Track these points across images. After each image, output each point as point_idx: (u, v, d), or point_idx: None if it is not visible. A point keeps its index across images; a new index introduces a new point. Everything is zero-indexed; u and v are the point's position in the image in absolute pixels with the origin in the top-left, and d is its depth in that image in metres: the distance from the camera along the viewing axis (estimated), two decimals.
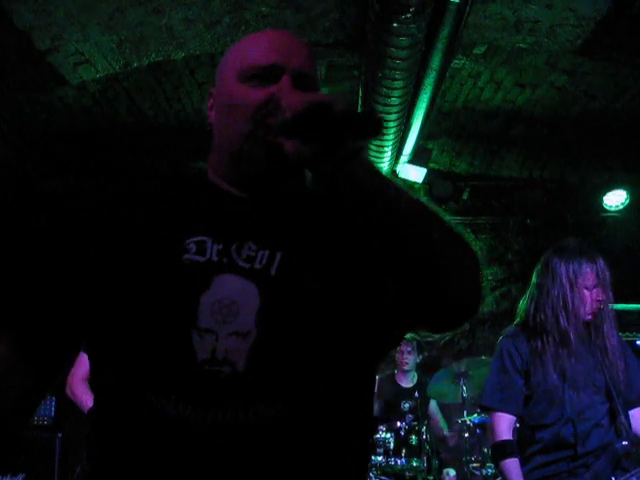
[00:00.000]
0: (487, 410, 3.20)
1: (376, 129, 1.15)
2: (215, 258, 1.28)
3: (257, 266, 1.27)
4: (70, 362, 1.43)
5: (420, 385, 5.90)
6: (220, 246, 1.29)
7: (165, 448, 1.19)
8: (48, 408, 5.75)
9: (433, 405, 5.98)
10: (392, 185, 1.22)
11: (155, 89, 5.53)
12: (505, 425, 3.03)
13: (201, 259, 1.28)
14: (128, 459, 1.23)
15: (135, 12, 4.19)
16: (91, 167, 6.40)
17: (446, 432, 5.83)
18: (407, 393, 5.84)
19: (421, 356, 6.12)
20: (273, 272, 1.27)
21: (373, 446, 4.31)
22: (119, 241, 1.32)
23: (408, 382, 5.98)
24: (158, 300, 1.25)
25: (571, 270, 3.09)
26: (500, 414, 3.05)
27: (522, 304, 3.23)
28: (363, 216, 1.22)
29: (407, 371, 5.97)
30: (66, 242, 1.36)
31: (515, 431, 3.14)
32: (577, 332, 3.03)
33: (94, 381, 1.35)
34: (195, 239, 1.30)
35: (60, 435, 5.58)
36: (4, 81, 4.68)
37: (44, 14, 4.03)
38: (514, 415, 3.05)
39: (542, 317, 3.08)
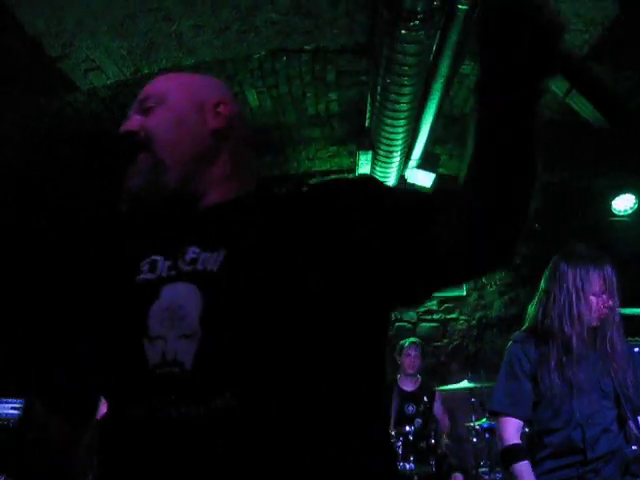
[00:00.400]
0: (496, 415, 3.20)
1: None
2: (164, 274, 1.36)
3: (199, 267, 1.33)
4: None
5: (424, 389, 5.91)
6: (170, 262, 1.37)
7: (132, 445, 1.28)
8: None
9: (438, 407, 5.98)
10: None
11: None
12: (513, 429, 3.03)
13: (151, 276, 1.37)
14: (108, 463, 1.35)
15: (145, 19, 4.23)
16: (99, 172, 6.43)
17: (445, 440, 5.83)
18: (411, 397, 5.85)
19: (425, 360, 6.14)
20: (215, 270, 1.32)
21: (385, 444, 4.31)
22: (94, 265, 1.49)
23: (411, 386, 5.99)
24: (115, 318, 1.37)
25: (578, 276, 3.10)
26: (508, 418, 3.06)
27: (531, 309, 3.23)
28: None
29: (411, 374, 5.98)
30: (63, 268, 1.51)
31: (524, 436, 3.15)
32: (581, 338, 3.03)
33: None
34: (149, 260, 1.40)
35: None
36: (15, 87, 4.72)
37: (55, 21, 4.07)
38: (522, 420, 3.06)
39: (549, 323, 3.08)
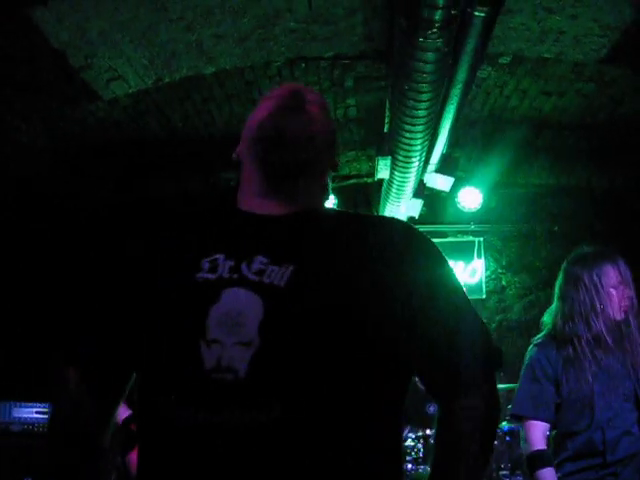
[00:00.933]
0: (519, 419, 3.21)
1: None
2: (226, 275, 1.38)
3: (265, 280, 1.36)
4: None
5: None
6: (232, 262, 1.39)
7: (181, 452, 1.30)
8: None
9: None
10: None
11: (185, 102, 5.63)
12: (539, 433, 3.04)
13: (212, 276, 1.38)
14: (153, 464, 1.37)
15: (167, 29, 4.29)
16: (122, 179, 6.52)
17: None
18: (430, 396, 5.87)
19: None
20: (282, 285, 1.35)
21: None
22: (149, 265, 1.48)
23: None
24: (172, 317, 1.37)
25: (594, 274, 3.11)
26: (533, 422, 3.07)
27: (547, 318, 3.25)
28: None
29: None
30: (108, 269, 1.52)
31: (549, 439, 3.16)
32: (609, 332, 3.04)
33: (136, 393, 1.48)
34: (209, 258, 1.41)
35: None
36: (39, 98, 4.81)
37: (78, 33, 4.15)
38: (547, 422, 3.07)
39: (571, 325, 3.09)
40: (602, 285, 3.08)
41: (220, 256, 1.40)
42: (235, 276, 1.37)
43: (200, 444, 1.28)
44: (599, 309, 3.05)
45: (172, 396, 1.32)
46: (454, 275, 1.55)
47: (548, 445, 3.12)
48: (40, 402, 5.77)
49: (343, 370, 1.32)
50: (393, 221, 1.57)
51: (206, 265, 1.40)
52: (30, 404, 5.76)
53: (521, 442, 3.20)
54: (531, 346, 3.25)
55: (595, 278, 3.10)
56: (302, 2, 4.17)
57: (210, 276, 1.38)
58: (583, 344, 3.04)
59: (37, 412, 5.78)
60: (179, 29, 4.30)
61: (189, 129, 6.11)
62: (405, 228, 1.54)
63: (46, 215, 6.29)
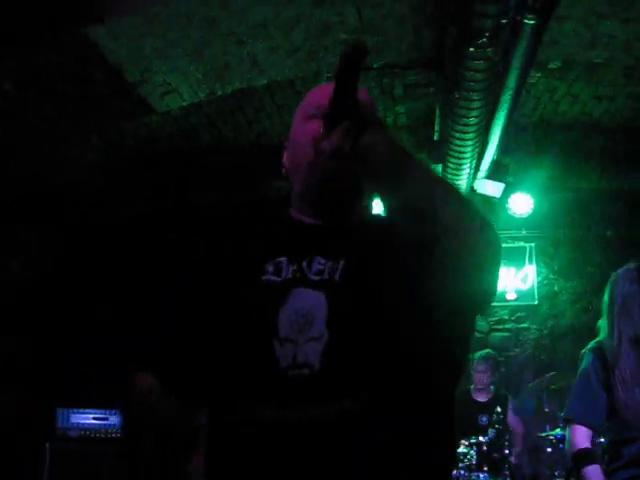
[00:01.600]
0: (568, 422, 3.21)
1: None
2: (290, 276, 1.45)
3: (325, 277, 1.43)
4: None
5: (498, 399, 5.91)
6: (294, 265, 1.46)
7: (262, 446, 1.34)
8: (120, 422, 5.95)
9: (512, 416, 5.96)
10: (412, 159, 1.35)
11: (236, 112, 5.72)
12: (583, 435, 3.03)
13: (277, 279, 1.46)
14: (232, 459, 1.40)
15: (220, 43, 4.38)
16: (173, 189, 6.64)
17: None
18: (484, 407, 5.85)
19: (497, 373, 6.13)
20: (337, 279, 1.42)
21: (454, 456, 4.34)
22: (211, 267, 1.56)
23: (484, 397, 6.00)
24: (243, 317, 1.44)
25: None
26: (578, 426, 3.07)
27: (602, 323, 3.24)
28: (384, 184, 1.37)
29: (482, 389, 6.00)
30: (174, 271, 1.59)
31: (600, 446, 3.16)
32: None
33: (205, 393, 1.52)
34: (273, 261, 1.48)
35: (129, 448, 5.77)
36: (95, 112, 4.93)
37: (134, 49, 4.25)
38: (593, 428, 3.06)
39: (620, 330, 3.09)
40: None
41: (283, 259, 1.48)
42: (299, 277, 1.44)
43: (287, 440, 1.32)
44: None
45: (252, 395, 1.37)
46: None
47: (595, 447, 3.12)
48: (97, 408, 5.88)
49: (399, 356, 1.37)
50: None
51: (270, 268, 1.47)
52: (88, 410, 5.87)
53: (565, 444, 3.19)
54: (585, 351, 3.24)
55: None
56: (353, 14, 4.21)
57: (276, 278, 1.46)
58: (634, 352, 3.03)
59: (94, 418, 5.89)
60: (231, 43, 4.39)
61: (240, 139, 6.20)
62: None
63: (101, 223, 6.43)
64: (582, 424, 3.05)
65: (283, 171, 1.63)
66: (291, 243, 1.52)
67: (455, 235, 1.30)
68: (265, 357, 1.37)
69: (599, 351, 3.15)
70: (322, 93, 1.50)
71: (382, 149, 1.32)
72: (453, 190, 1.40)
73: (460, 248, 1.30)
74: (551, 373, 5.60)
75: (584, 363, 3.19)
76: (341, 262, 1.44)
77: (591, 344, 3.25)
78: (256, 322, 1.42)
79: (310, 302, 1.40)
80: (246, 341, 1.42)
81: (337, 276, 1.43)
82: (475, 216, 1.35)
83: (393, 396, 1.34)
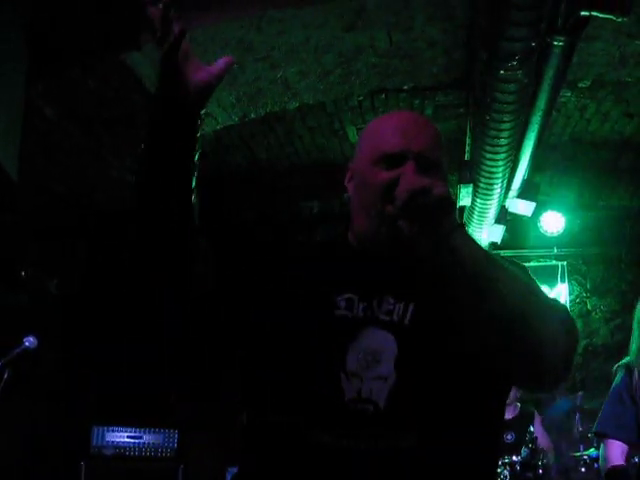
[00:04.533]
0: (600, 437, 3.21)
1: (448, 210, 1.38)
2: (360, 314, 1.51)
3: (395, 318, 1.49)
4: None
5: (523, 416, 5.87)
6: (365, 303, 1.52)
7: (322, 474, 1.41)
8: (172, 440, 5.99)
9: (538, 428, 5.89)
10: (491, 259, 1.42)
11: (268, 135, 5.80)
12: (617, 451, 3.04)
13: (349, 314, 1.51)
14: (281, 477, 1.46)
15: (253, 68, 4.47)
16: (206, 210, 6.71)
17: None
18: (510, 425, 5.80)
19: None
20: (407, 322, 1.49)
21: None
22: (279, 300, 1.57)
23: (509, 414, 5.95)
24: (314, 348, 1.50)
25: None
26: (612, 441, 3.07)
27: (633, 346, 3.25)
28: (465, 285, 1.40)
29: (508, 404, 5.94)
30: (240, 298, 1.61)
31: (634, 465, 3.15)
32: None
33: (253, 421, 1.57)
34: (344, 296, 1.53)
35: (182, 466, 5.82)
36: (131, 135, 5.02)
37: None
38: (627, 443, 3.06)
39: None
40: None
41: (354, 296, 1.54)
42: (369, 314, 1.51)
43: (341, 469, 1.39)
44: None
45: (313, 421, 1.44)
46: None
47: (631, 463, 3.12)
48: (132, 427, 5.93)
49: (461, 400, 1.44)
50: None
51: (342, 303, 1.53)
52: (123, 428, 5.92)
53: (600, 461, 3.20)
54: (618, 368, 3.25)
55: None
56: (383, 38, 4.28)
57: (347, 313, 1.52)
58: None
59: (129, 437, 5.93)
60: (265, 67, 4.47)
61: (272, 160, 6.27)
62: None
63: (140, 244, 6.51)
64: (615, 439, 3.06)
65: (345, 196, 1.69)
66: (360, 278, 1.56)
67: (544, 350, 1.38)
68: (331, 388, 1.44)
69: (629, 368, 3.16)
70: (389, 137, 1.56)
71: (471, 252, 1.38)
72: (544, 302, 1.46)
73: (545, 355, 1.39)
74: (580, 393, 5.55)
75: (616, 379, 3.20)
76: (411, 305, 1.50)
77: (623, 360, 3.26)
78: (326, 355, 1.48)
79: (378, 341, 1.48)
80: (315, 372, 1.48)
81: (407, 320, 1.49)
82: (564, 326, 1.44)
83: (445, 439, 1.40)
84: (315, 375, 1.47)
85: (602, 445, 3.17)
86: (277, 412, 1.49)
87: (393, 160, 1.52)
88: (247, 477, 1.55)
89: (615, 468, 3.04)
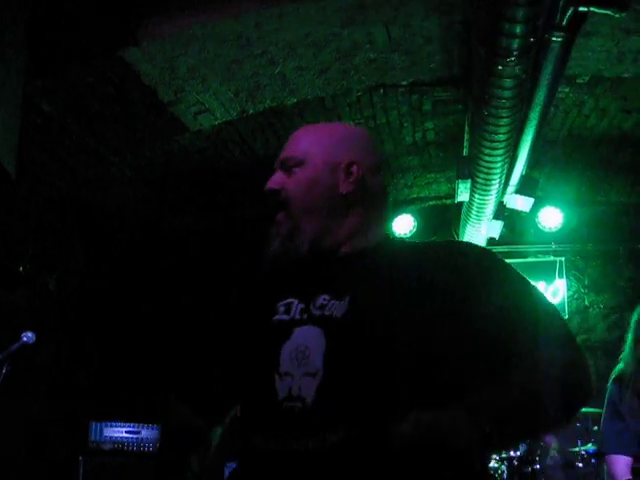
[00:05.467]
0: (603, 455, 3.22)
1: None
2: (297, 316, 1.55)
3: (327, 312, 1.51)
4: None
5: None
6: (302, 305, 1.55)
7: (261, 476, 1.45)
8: (152, 436, 6.00)
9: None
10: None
11: (266, 130, 5.79)
12: (622, 466, 3.05)
13: (286, 317, 1.56)
14: None
15: (251, 63, 4.47)
16: (206, 205, 6.72)
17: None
18: None
19: None
20: (339, 316, 1.49)
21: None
22: (237, 308, 1.70)
23: None
24: (252, 353, 1.57)
25: None
26: (616, 456, 3.08)
27: (624, 356, 3.24)
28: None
29: None
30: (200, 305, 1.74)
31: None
32: None
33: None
34: (284, 302, 1.58)
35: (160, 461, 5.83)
36: (130, 131, 5.03)
37: (168, 70, 4.35)
38: (631, 456, 3.07)
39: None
40: None
41: (294, 299, 1.58)
42: (305, 316, 1.54)
43: (273, 470, 1.42)
44: None
45: (252, 425, 1.50)
46: (533, 288, 1.57)
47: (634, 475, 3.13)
48: (130, 422, 5.94)
49: (395, 394, 1.41)
50: (440, 246, 1.66)
51: (282, 308, 1.58)
52: (121, 423, 5.93)
53: (606, 477, 3.21)
54: (610, 382, 3.26)
55: None
56: (381, 33, 4.28)
57: (285, 317, 1.56)
58: None
59: (127, 432, 5.94)
60: (263, 63, 4.48)
61: (270, 156, 6.26)
62: (451, 248, 1.64)
63: (137, 241, 6.53)
64: (618, 454, 3.07)
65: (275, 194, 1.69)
66: (302, 281, 1.61)
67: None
68: (266, 390, 1.48)
69: (622, 380, 3.16)
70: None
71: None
72: (559, 395, 1.44)
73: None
74: None
75: (609, 394, 3.20)
76: (346, 298, 1.51)
77: (614, 372, 3.27)
78: (262, 358, 1.53)
79: (309, 337, 1.49)
80: (252, 375, 1.54)
81: (338, 314, 1.49)
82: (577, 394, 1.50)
83: (373, 433, 1.36)
84: (252, 380, 1.54)
85: (607, 461, 3.18)
86: (240, 420, 1.56)
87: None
88: None
89: None
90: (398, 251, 1.64)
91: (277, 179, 1.67)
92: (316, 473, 1.38)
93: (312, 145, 1.68)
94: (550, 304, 1.58)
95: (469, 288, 1.47)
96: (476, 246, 1.73)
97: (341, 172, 1.63)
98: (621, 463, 3.07)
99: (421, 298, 1.47)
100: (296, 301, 1.57)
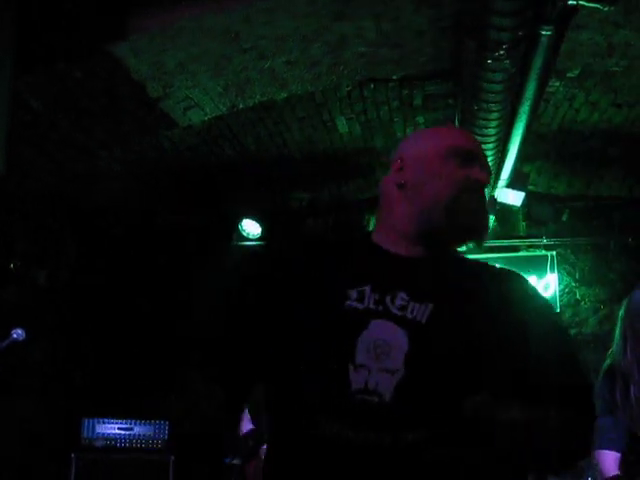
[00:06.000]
0: (594, 450, 3.22)
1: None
2: (372, 306, 1.53)
3: (409, 315, 1.51)
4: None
5: None
6: (377, 295, 1.55)
7: (326, 462, 1.45)
8: (162, 431, 6.01)
9: None
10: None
11: (257, 125, 5.78)
12: (611, 461, 3.05)
13: (360, 306, 1.54)
14: (298, 470, 1.51)
15: (240, 58, 4.45)
16: (196, 201, 6.71)
17: None
18: None
19: None
20: (423, 321, 1.50)
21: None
22: (293, 293, 1.61)
23: None
24: (323, 339, 1.53)
25: None
26: (606, 452, 3.08)
27: (615, 348, 3.24)
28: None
29: None
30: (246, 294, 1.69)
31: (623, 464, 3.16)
32: None
33: (271, 408, 1.64)
34: (357, 289, 1.56)
35: (173, 458, 5.83)
36: (119, 127, 5.02)
37: (157, 65, 4.34)
38: (619, 452, 3.07)
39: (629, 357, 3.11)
40: None
41: (367, 288, 1.56)
42: (380, 308, 1.53)
43: (342, 460, 1.43)
44: None
45: (320, 412, 1.47)
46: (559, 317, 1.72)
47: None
48: (122, 418, 5.94)
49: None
50: (513, 273, 1.74)
51: (354, 294, 1.55)
52: (113, 420, 5.93)
53: (597, 473, 3.21)
54: (600, 377, 3.25)
55: None
56: (371, 27, 4.27)
57: (359, 305, 1.54)
58: None
59: (119, 428, 5.94)
60: (252, 57, 4.46)
61: (261, 151, 6.25)
62: (522, 280, 1.71)
63: (128, 235, 6.52)
64: (607, 449, 3.07)
65: (381, 191, 1.73)
66: (376, 272, 1.60)
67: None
68: (339, 379, 1.47)
69: (610, 375, 3.16)
70: (461, 137, 1.74)
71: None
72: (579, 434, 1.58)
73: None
74: None
75: (598, 389, 3.19)
76: (429, 306, 1.53)
77: (603, 369, 3.26)
78: (335, 346, 1.51)
79: (389, 334, 1.50)
80: (324, 363, 1.51)
81: (424, 319, 1.51)
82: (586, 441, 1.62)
83: (449, 435, 1.42)
84: (325, 368, 1.50)
85: (596, 455, 3.17)
86: (290, 406, 1.54)
87: (465, 156, 1.65)
88: (269, 470, 1.61)
89: (611, 478, 3.05)
90: (468, 263, 1.72)
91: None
92: (388, 468, 1.41)
93: None
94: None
95: (533, 325, 1.57)
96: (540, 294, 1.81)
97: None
98: (610, 459, 3.07)
99: (500, 316, 1.55)
100: (368, 289, 1.56)
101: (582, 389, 1.60)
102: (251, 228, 6.77)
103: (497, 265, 1.75)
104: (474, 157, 1.66)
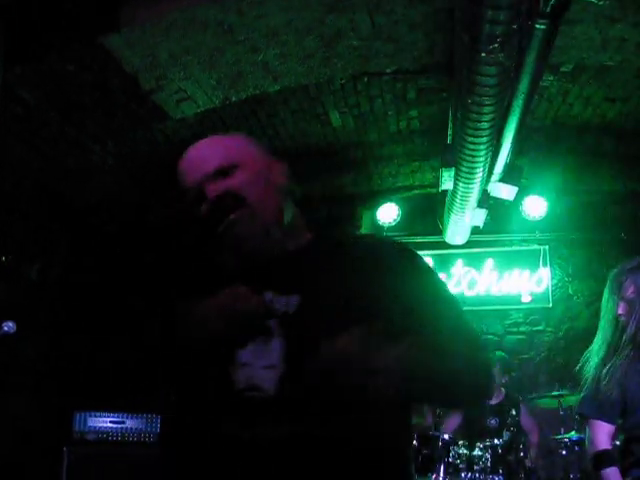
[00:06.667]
0: (584, 417, 3.20)
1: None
2: None
3: (281, 309, 1.57)
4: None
5: (509, 401, 5.88)
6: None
7: (218, 459, 1.51)
8: (154, 425, 5.99)
9: (526, 419, 5.92)
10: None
11: (249, 118, 5.76)
12: (604, 434, 3.01)
13: None
14: (192, 466, 1.58)
15: (233, 51, 4.43)
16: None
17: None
18: (494, 410, 5.81)
19: (507, 375, 6.09)
20: (290, 312, 1.56)
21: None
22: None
23: (494, 399, 5.92)
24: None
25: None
26: (598, 422, 3.05)
27: (595, 346, 3.23)
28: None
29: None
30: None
31: (614, 446, 3.14)
32: None
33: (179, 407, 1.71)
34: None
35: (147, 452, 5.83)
36: (111, 120, 4.99)
37: (149, 58, 4.31)
38: (611, 423, 3.05)
39: (632, 330, 3.10)
40: None
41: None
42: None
43: (234, 456, 1.48)
44: None
45: (212, 411, 1.55)
46: (446, 285, 1.76)
47: (614, 446, 3.11)
48: (114, 412, 5.92)
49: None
50: (387, 241, 1.83)
51: None
52: (105, 414, 5.91)
53: (586, 442, 3.19)
54: (593, 363, 3.24)
55: None
56: (365, 21, 4.25)
57: None
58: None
59: (111, 422, 5.93)
60: (245, 50, 4.44)
61: None
62: (399, 246, 1.74)
63: (121, 230, 6.48)
64: (599, 420, 3.04)
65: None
66: (247, 278, 1.62)
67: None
68: (223, 380, 1.54)
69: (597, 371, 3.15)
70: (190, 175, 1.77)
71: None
72: (454, 365, 1.55)
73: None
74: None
75: (593, 373, 3.18)
76: (294, 296, 1.57)
77: (592, 363, 3.25)
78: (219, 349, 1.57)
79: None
80: (211, 364, 1.57)
81: (290, 310, 1.56)
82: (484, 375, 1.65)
83: (330, 424, 1.46)
84: (212, 370, 1.57)
85: (587, 427, 3.15)
86: (190, 409, 1.64)
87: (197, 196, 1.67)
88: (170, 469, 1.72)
89: (601, 453, 3.02)
90: (334, 246, 1.74)
91: (221, 186, 1.64)
92: (274, 457, 1.45)
93: (238, 150, 1.73)
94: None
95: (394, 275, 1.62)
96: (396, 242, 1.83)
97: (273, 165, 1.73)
98: (602, 431, 3.04)
99: (361, 292, 1.57)
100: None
101: (472, 338, 1.64)
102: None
103: (391, 240, 1.83)
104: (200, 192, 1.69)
